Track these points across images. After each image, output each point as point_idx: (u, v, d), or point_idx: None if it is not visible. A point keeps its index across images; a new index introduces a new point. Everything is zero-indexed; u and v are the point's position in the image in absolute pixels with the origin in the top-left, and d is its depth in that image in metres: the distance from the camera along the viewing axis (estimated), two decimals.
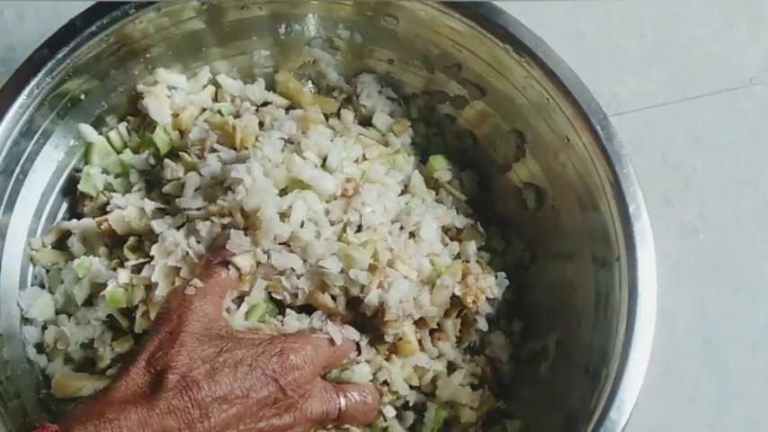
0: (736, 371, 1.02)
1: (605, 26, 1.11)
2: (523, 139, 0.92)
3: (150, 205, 0.87)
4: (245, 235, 0.82)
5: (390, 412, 0.86)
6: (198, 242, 0.83)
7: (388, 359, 0.85)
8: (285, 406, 0.75)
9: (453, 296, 0.86)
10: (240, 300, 0.83)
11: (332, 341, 0.80)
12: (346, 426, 0.82)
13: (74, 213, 0.93)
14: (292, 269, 0.82)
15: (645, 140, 1.07)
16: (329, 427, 0.81)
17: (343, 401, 0.80)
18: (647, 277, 0.79)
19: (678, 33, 1.12)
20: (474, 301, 0.85)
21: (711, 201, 1.06)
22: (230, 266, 0.81)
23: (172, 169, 0.88)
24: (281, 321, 0.83)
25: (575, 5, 1.11)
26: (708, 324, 1.03)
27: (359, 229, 0.85)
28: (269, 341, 0.76)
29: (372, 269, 0.82)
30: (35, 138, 0.87)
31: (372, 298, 0.81)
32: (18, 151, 0.85)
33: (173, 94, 0.93)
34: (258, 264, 0.82)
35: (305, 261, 0.82)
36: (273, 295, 0.83)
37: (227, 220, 0.82)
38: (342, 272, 0.82)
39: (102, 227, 0.88)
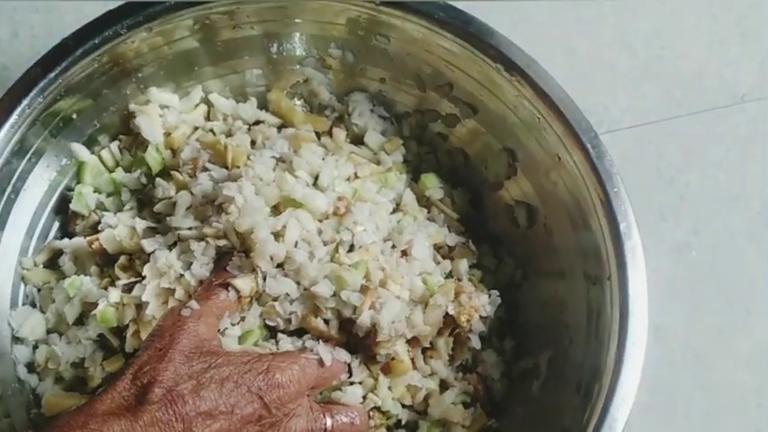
0: (729, 386, 1.02)
1: (598, 43, 1.11)
2: (515, 158, 0.92)
3: (141, 224, 0.87)
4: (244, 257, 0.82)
5: None
6: (191, 264, 0.83)
7: (375, 379, 0.85)
8: (269, 423, 0.75)
9: (446, 315, 0.85)
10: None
11: (321, 362, 0.80)
12: None
13: (65, 232, 0.93)
14: (287, 294, 0.82)
15: (638, 156, 1.07)
16: None
17: (329, 422, 0.80)
18: (638, 295, 0.79)
19: (670, 50, 1.12)
20: (468, 320, 0.85)
21: (705, 216, 1.06)
22: (230, 288, 0.81)
23: (163, 188, 0.88)
24: (276, 345, 0.83)
25: (567, 22, 1.11)
26: (701, 339, 1.03)
27: (351, 248, 0.85)
28: (257, 359, 0.76)
29: (364, 290, 0.82)
30: (27, 157, 0.87)
31: (364, 319, 0.81)
32: (10, 170, 0.85)
33: (165, 113, 0.93)
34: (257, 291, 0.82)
35: (298, 284, 0.82)
36: (267, 322, 0.83)
37: (222, 242, 0.83)
38: (334, 294, 0.82)
39: (93, 246, 0.88)
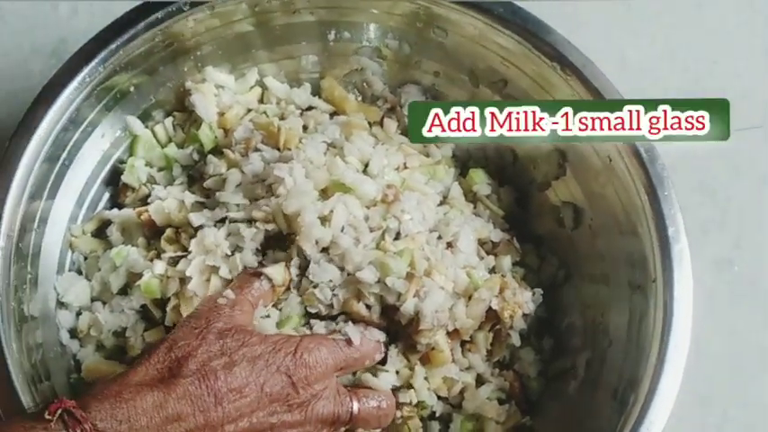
0: (764, 402, 1.01)
1: (649, 55, 1.11)
2: (565, 158, 0.92)
3: (191, 198, 0.88)
4: (288, 240, 0.83)
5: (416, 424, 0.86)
6: (237, 246, 0.84)
7: (412, 369, 0.85)
8: (297, 404, 0.76)
9: (488, 309, 0.85)
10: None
11: (350, 341, 0.81)
12: (359, 430, 0.82)
13: (115, 203, 0.94)
14: (330, 280, 0.82)
15: (683, 169, 1.06)
16: (342, 429, 0.81)
17: (356, 405, 0.80)
18: (684, 300, 0.79)
19: (721, 66, 1.12)
20: (511, 316, 0.85)
21: (747, 231, 1.06)
22: (263, 278, 0.81)
23: (215, 165, 0.89)
24: (311, 330, 0.83)
25: (622, 34, 1.12)
26: (738, 354, 1.02)
27: (397, 236, 0.86)
28: (286, 340, 0.78)
29: (409, 278, 0.82)
30: (82, 126, 0.88)
31: (408, 306, 0.81)
32: (65, 139, 0.86)
33: (220, 93, 0.95)
34: (291, 279, 0.83)
35: (342, 270, 0.83)
36: (308, 309, 0.84)
37: (270, 227, 0.83)
38: (378, 281, 0.82)
39: (141, 217, 0.89)
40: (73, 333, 0.88)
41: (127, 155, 0.94)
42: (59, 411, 0.67)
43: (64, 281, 0.88)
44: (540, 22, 0.87)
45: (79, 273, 0.91)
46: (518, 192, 0.98)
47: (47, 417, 0.67)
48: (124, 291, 0.88)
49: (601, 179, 0.88)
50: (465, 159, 0.98)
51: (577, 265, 0.93)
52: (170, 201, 0.88)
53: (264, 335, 0.78)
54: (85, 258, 0.91)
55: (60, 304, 0.88)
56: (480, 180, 0.95)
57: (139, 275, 0.85)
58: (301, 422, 0.77)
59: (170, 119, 0.96)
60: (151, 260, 0.86)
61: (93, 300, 0.89)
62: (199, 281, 0.84)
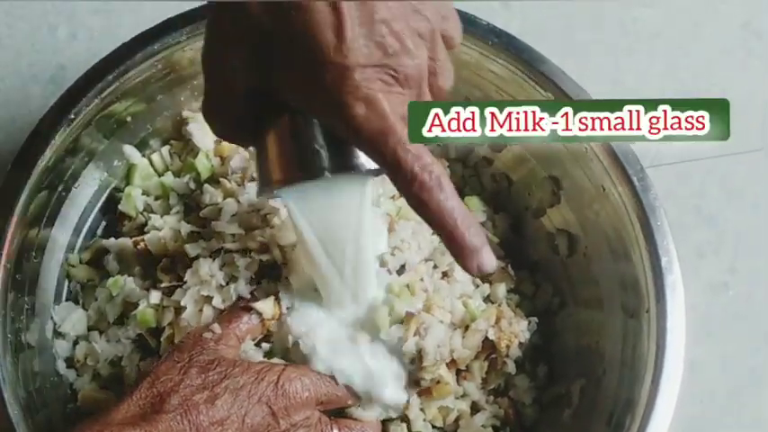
0: (760, 426, 1.02)
1: (645, 77, 1.12)
2: (559, 186, 0.92)
3: (186, 228, 0.88)
4: (284, 270, 0.83)
5: None
6: (232, 277, 0.84)
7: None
8: None
9: (484, 339, 0.86)
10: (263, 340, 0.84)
11: (334, 379, 0.80)
12: None
13: (112, 232, 0.94)
14: None
15: (679, 193, 1.07)
16: None
17: None
18: (676, 330, 0.80)
19: (718, 88, 1.12)
20: (507, 346, 0.85)
21: (743, 255, 1.06)
22: (253, 312, 0.82)
23: (211, 194, 0.90)
24: None
25: (617, 56, 1.12)
26: (734, 378, 1.02)
27: (401, 269, 0.86)
28: (268, 368, 0.77)
29: (407, 319, 0.82)
30: (80, 156, 0.89)
31: (410, 346, 0.82)
32: (63, 168, 0.87)
33: None
34: (281, 313, 0.83)
35: None
36: None
37: (265, 257, 0.84)
38: None
39: (138, 246, 0.89)
40: (69, 362, 0.88)
41: (124, 183, 0.94)
42: None
43: (61, 310, 0.89)
44: (534, 52, 0.87)
45: (76, 302, 0.91)
46: (513, 219, 0.98)
47: None
48: (121, 320, 0.89)
49: (594, 207, 0.88)
50: (460, 186, 0.99)
51: (572, 292, 0.94)
52: (166, 230, 0.89)
53: (248, 364, 0.77)
54: (82, 287, 0.92)
55: (57, 334, 0.88)
56: (476, 207, 0.96)
57: (135, 305, 0.86)
58: None
59: (167, 147, 0.96)
60: (147, 289, 0.87)
61: (89, 329, 0.90)
62: (193, 311, 0.84)
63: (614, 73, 1.11)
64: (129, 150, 0.93)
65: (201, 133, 0.93)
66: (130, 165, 0.94)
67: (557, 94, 0.86)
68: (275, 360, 0.82)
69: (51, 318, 0.88)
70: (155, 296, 0.85)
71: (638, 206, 0.83)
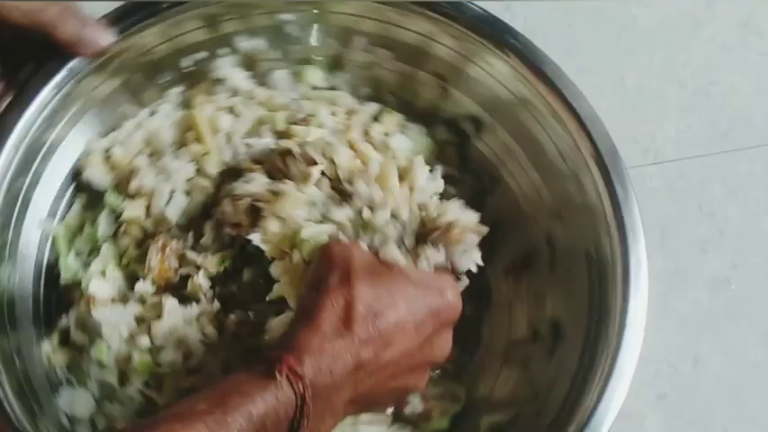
0: (763, 420, 1.03)
1: (646, 75, 1.13)
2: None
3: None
4: None
5: None
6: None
7: None
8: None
9: None
10: None
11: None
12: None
13: (67, 304, 0.89)
14: None
15: (682, 189, 1.08)
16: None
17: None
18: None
19: (718, 85, 1.13)
20: None
21: (745, 251, 1.08)
22: None
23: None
24: None
25: (618, 53, 1.13)
26: (737, 372, 1.04)
27: None
28: (432, 276, 0.79)
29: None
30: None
31: None
32: None
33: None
34: None
35: None
36: None
37: None
38: None
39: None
40: None
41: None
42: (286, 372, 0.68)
43: (64, 398, 0.86)
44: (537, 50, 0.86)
45: (70, 384, 0.88)
46: None
47: (277, 377, 0.68)
48: (121, 380, 0.86)
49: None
50: None
51: None
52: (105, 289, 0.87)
53: (407, 271, 0.78)
54: (69, 369, 0.88)
55: (73, 421, 0.86)
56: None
57: (129, 359, 0.84)
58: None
59: (76, 205, 0.91)
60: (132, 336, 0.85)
61: (98, 401, 0.87)
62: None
63: (614, 71, 1.12)
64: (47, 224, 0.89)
65: (97, 174, 0.90)
66: (53, 237, 0.90)
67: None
68: None
69: (58, 408, 0.86)
70: (144, 340, 0.84)
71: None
